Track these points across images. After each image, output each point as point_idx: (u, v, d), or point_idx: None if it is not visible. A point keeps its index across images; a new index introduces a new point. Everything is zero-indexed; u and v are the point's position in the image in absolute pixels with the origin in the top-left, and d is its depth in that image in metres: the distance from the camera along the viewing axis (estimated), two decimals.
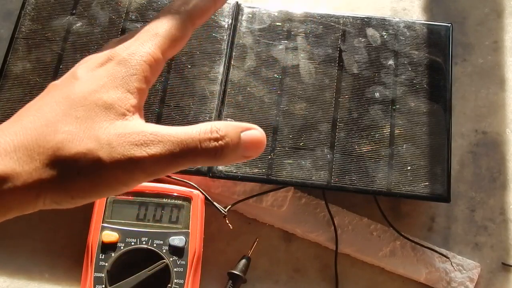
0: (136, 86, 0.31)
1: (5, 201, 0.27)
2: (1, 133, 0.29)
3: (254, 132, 0.31)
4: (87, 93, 0.30)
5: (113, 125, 0.29)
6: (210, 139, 0.29)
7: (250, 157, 0.31)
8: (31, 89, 0.54)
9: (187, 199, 0.51)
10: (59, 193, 0.28)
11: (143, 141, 0.28)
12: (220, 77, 0.55)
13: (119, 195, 0.51)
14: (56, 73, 0.55)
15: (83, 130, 0.28)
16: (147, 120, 0.31)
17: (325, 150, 0.52)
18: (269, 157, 0.52)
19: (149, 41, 0.32)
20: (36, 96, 0.33)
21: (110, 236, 0.49)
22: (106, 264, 0.48)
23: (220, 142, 0.29)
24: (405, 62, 0.55)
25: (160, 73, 0.33)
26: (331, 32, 0.57)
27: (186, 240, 0.49)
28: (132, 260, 0.48)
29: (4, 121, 0.32)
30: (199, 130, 0.29)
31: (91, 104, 0.29)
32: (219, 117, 0.53)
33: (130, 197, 0.51)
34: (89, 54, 0.54)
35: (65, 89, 0.31)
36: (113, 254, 0.48)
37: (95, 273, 0.48)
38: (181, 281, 0.47)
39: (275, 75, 0.55)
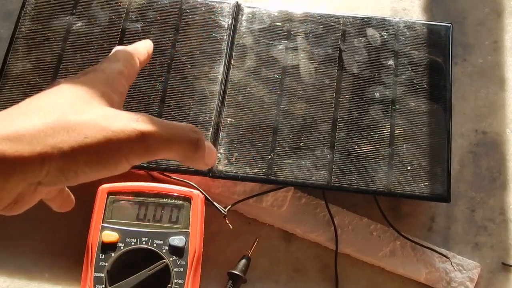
0: (115, 86, 0.35)
1: (9, 159, 0.27)
2: (5, 110, 0.30)
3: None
4: (78, 89, 0.32)
5: (108, 108, 0.32)
6: (192, 131, 0.33)
7: (209, 160, 0.34)
8: (31, 89, 0.54)
9: (187, 199, 0.51)
10: (63, 159, 0.28)
11: (142, 119, 0.31)
12: (220, 77, 0.55)
13: (118, 192, 0.51)
14: (56, 73, 0.55)
15: (84, 110, 0.31)
16: None
17: (325, 150, 0.52)
18: (269, 157, 0.52)
19: (115, 63, 0.37)
20: None
21: (110, 236, 0.49)
22: (106, 264, 0.48)
23: (199, 135, 0.33)
24: (405, 62, 0.55)
25: (131, 84, 0.38)
26: (331, 32, 0.57)
27: (186, 240, 0.49)
28: (132, 260, 0.48)
29: None
30: (183, 123, 0.33)
31: (85, 96, 0.32)
32: (219, 117, 0.53)
33: (130, 197, 0.51)
34: (89, 54, 0.55)
35: (53, 89, 0.33)
36: (113, 254, 0.48)
37: (95, 273, 0.48)
38: (181, 281, 0.47)
39: (275, 75, 0.55)
